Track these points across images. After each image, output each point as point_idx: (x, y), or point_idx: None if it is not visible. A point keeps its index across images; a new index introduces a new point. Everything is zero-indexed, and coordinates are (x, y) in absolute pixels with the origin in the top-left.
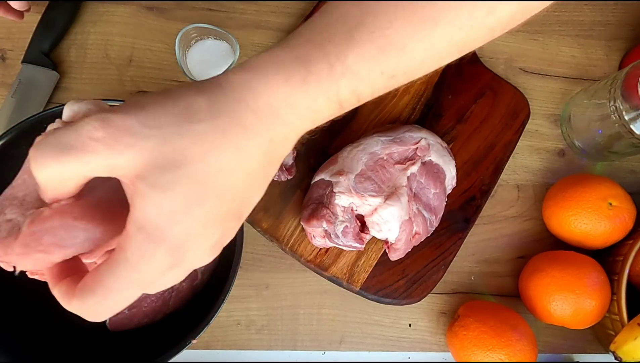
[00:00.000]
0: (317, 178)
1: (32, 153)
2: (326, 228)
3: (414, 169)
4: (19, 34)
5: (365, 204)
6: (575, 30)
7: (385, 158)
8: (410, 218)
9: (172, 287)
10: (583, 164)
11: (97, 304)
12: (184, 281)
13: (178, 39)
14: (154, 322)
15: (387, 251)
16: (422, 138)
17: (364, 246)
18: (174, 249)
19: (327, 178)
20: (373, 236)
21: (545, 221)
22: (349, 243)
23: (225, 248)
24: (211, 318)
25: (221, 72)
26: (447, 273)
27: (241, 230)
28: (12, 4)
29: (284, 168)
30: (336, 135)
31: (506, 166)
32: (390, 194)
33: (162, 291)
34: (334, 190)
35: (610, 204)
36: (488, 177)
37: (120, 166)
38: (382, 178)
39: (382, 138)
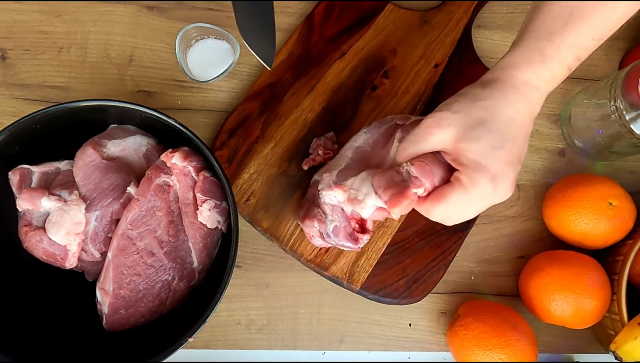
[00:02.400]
0: (312, 180)
1: (401, 146)
2: (318, 228)
3: (399, 135)
4: (19, 34)
5: (343, 193)
6: None
7: (369, 148)
8: (377, 172)
9: (169, 287)
10: (583, 164)
11: (439, 211)
12: (180, 281)
13: (178, 39)
14: (150, 321)
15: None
16: (401, 118)
17: (358, 246)
18: (492, 177)
19: (316, 178)
20: (371, 237)
21: (546, 221)
22: (341, 243)
23: (221, 247)
24: (207, 317)
25: (221, 72)
26: (448, 273)
27: (237, 228)
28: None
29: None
30: (337, 135)
31: None
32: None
33: (159, 291)
34: (318, 188)
35: (611, 204)
36: None
37: (445, 139)
38: (368, 165)
39: (364, 129)
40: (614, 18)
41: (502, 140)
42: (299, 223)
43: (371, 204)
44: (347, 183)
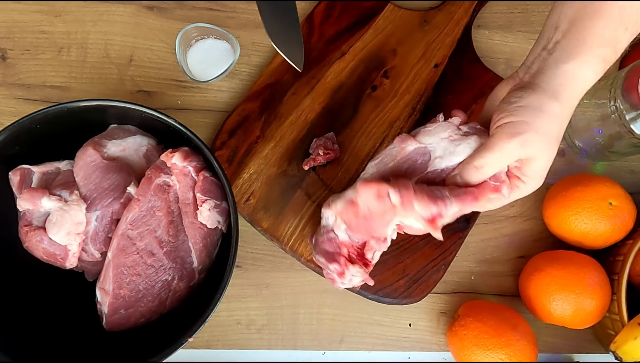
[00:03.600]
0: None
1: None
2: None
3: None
4: (19, 34)
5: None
6: None
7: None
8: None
9: (169, 287)
10: (583, 164)
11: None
12: (180, 281)
13: (178, 39)
14: (150, 321)
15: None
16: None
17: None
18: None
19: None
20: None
21: (546, 221)
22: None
23: (221, 247)
24: (207, 317)
25: (221, 72)
26: (448, 273)
27: (237, 228)
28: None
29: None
30: (337, 135)
31: None
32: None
33: (159, 291)
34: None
35: (611, 204)
36: None
37: (521, 154)
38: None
39: (373, 163)
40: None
41: (553, 154)
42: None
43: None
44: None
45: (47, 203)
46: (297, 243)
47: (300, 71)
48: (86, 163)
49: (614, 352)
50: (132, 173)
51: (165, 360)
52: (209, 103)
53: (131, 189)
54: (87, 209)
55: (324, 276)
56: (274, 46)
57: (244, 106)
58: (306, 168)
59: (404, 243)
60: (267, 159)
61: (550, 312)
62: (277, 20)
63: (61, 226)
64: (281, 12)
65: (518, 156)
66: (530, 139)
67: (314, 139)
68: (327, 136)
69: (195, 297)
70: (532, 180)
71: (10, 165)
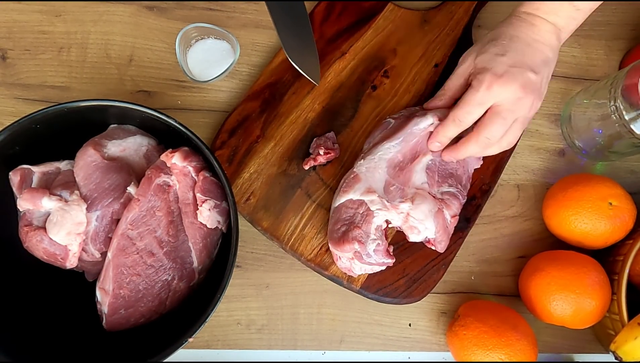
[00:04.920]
0: (342, 199)
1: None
2: (358, 249)
3: (426, 159)
4: (19, 34)
5: (398, 214)
6: (575, 30)
7: (401, 159)
8: (439, 209)
9: (168, 287)
10: (583, 164)
11: (465, 117)
12: (180, 281)
13: (178, 39)
14: (150, 321)
15: (433, 248)
16: (429, 125)
17: (393, 260)
18: (495, 75)
19: (357, 197)
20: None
21: (546, 221)
22: (380, 261)
23: (221, 247)
24: (207, 317)
25: (221, 72)
26: (448, 273)
27: (237, 228)
28: None
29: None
30: (337, 134)
31: (506, 166)
32: (414, 195)
33: (159, 291)
34: (370, 209)
35: (611, 204)
36: (488, 177)
37: (469, 64)
38: (403, 181)
39: (392, 143)
40: None
41: (505, 49)
42: (331, 246)
43: (423, 237)
44: (403, 207)
45: (48, 203)
46: (297, 242)
47: (317, 85)
48: (86, 163)
49: (614, 352)
50: (132, 173)
51: (165, 360)
52: (209, 103)
53: (131, 189)
54: (88, 209)
55: (324, 275)
56: (291, 62)
57: (244, 106)
58: (306, 167)
59: (404, 243)
60: (267, 158)
61: (550, 312)
62: (293, 37)
63: (61, 226)
64: (297, 29)
65: (465, 65)
66: (467, 51)
67: (314, 139)
68: (328, 136)
69: (195, 297)
70: (479, 73)
71: (10, 165)
